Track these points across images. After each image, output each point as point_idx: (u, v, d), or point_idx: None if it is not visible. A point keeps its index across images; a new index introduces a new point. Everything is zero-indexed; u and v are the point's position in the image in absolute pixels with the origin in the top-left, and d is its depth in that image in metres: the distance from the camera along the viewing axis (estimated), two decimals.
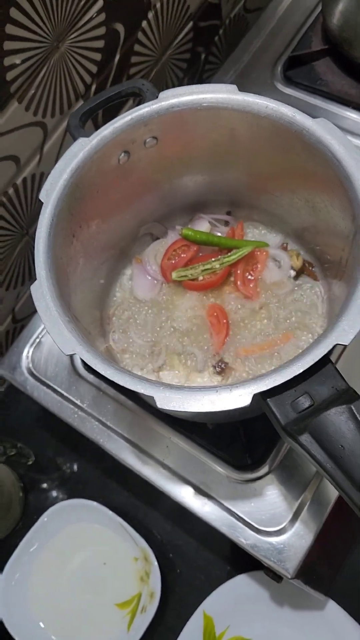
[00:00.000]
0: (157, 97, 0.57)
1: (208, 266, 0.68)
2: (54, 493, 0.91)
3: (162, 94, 0.56)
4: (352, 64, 0.83)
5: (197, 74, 1.02)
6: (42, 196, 0.54)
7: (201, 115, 0.57)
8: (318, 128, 0.52)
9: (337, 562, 0.74)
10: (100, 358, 0.47)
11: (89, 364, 0.47)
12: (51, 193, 0.54)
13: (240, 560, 0.80)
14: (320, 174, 0.55)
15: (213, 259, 0.68)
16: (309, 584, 0.66)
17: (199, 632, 0.77)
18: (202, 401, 0.45)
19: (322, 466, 0.43)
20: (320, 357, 0.45)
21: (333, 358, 0.69)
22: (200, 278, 0.68)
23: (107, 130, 0.55)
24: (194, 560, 0.82)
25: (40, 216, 0.53)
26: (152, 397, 0.45)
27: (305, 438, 0.44)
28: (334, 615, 0.75)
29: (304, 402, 0.46)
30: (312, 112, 0.81)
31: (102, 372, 0.46)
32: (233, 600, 0.77)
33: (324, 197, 0.57)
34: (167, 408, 0.45)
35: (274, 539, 0.63)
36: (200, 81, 1.04)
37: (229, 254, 0.68)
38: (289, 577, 0.62)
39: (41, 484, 0.91)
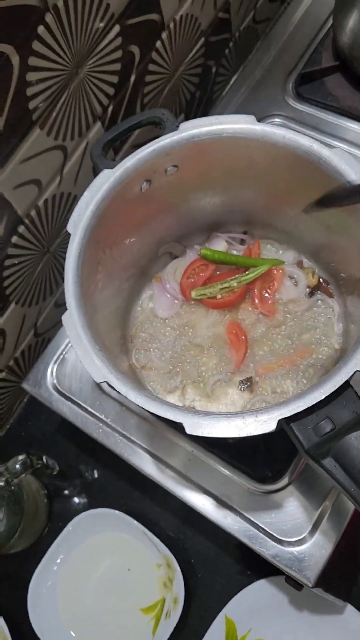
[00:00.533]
0: (176, 125, 0.59)
1: (226, 285, 0.70)
2: (77, 500, 0.94)
3: (182, 125, 0.58)
4: None
5: (208, 87, 1.03)
6: (69, 228, 0.56)
7: (220, 145, 0.59)
8: (335, 158, 0.54)
9: (356, 569, 0.76)
10: (130, 385, 0.50)
11: (120, 392, 0.49)
12: (78, 224, 0.56)
13: (260, 565, 0.82)
14: None
15: (231, 278, 0.70)
16: (328, 591, 0.68)
17: (221, 636, 0.79)
18: (229, 427, 0.47)
19: (347, 490, 0.46)
20: (341, 383, 0.47)
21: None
22: (219, 296, 0.71)
23: (130, 161, 0.58)
24: (215, 565, 0.85)
25: (69, 247, 0.55)
26: (182, 424, 0.48)
27: (329, 462, 0.47)
28: (352, 619, 0.77)
29: (326, 426, 0.48)
30: (323, 127, 0.84)
31: (133, 400, 0.49)
32: (254, 605, 0.80)
33: (339, 222, 0.59)
34: (195, 434, 0.47)
35: (295, 549, 0.66)
36: (212, 95, 1.05)
37: (247, 272, 0.70)
38: (310, 585, 0.64)
39: (64, 490, 0.94)
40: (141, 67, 0.82)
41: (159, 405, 0.48)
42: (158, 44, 0.83)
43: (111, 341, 0.62)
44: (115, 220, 0.61)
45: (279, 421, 0.47)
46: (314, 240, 0.70)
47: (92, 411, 0.75)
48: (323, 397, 0.47)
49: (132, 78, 0.81)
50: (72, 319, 0.52)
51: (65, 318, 0.53)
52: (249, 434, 0.47)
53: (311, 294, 0.71)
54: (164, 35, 0.83)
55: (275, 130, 0.56)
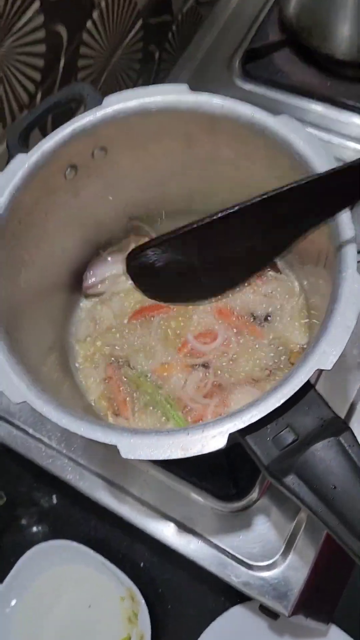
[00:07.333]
0: (99, 101, 0.51)
1: None
2: (34, 529, 0.86)
3: (106, 100, 0.51)
4: (312, 53, 0.78)
5: (151, 75, 0.96)
6: None
7: (152, 121, 0.51)
8: (281, 127, 0.47)
9: (339, 588, 0.69)
10: (54, 404, 0.42)
11: (41, 413, 0.42)
12: None
13: (235, 590, 0.75)
14: (288, 176, 0.50)
15: None
16: (310, 617, 0.61)
17: None
18: (172, 447, 0.40)
19: (313, 511, 0.39)
20: (300, 385, 0.40)
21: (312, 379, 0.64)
22: None
23: (48, 144, 0.50)
24: (185, 594, 0.78)
25: None
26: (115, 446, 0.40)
27: (292, 479, 0.39)
28: None
29: (287, 437, 0.41)
30: (275, 107, 0.78)
31: (57, 422, 0.41)
32: (229, 635, 0.73)
33: None
34: (133, 457, 0.40)
35: (266, 574, 0.58)
36: (156, 82, 0.98)
37: None
38: (287, 615, 0.57)
39: (20, 520, 0.86)
40: (71, 50, 0.75)
41: (87, 425, 0.41)
42: (89, 24, 0.76)
43: (40, 351, 0.54)
44: (37, 215, 0.53)
45: (231, 435, 0.40)
46: None
47: (34, 434, 0.67)
48: (281, 402, 0.40)
49: (62, 62, 0.74)
50: None
51: None
52: (197, 454, 0.39)
53: None
54: (95, 14, 0.76)
55: (211, 100, 0.49)
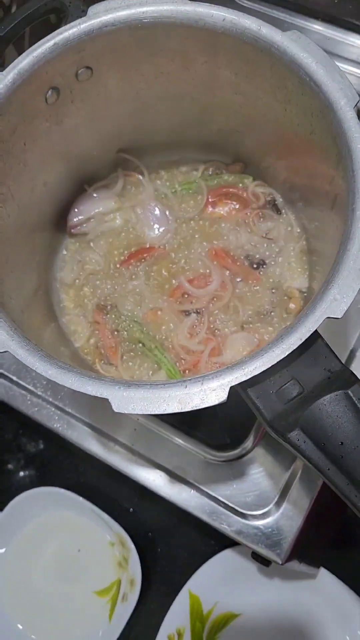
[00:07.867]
0: (85, 13, 0.45)
1: None
2: (21, 473, 0.84)
3: (91, 9, 0.44)
4: None
5: None
6: None
7: (143, 36, 0.45)
8: (290, 44, 0.42)
9: (331, 532, 0.69)
10: (39, 355, 0.38)
11: (25, 364, 0.38)
12: None
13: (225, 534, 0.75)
14: (295, 101, 0.45)
15: None
16: (302, 562, 0.61)
17: (185, 613, 0.72)
18: (168, 401, 0.37)
19: (320, 469, 0.36)
20: (308, 335, 0.37)
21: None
22: None
23: (25, 61, 0.44)
24: (175, 538, 0.77)
25: None
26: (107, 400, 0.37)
27: (297, 435, 0.37)
28: (325, 583, 0.71)
29: (292, 390, 0.38)
30: (275, 27, 0.71)
31: (43, 374, 0.38)
32: (220, 576, 0.73)
33: (301, 131, 0.47)
34: (126, 412, 0.37)
35: (260, 523, 0.57)
36: None
37: None
38: (280, 563, 0.56)
39: (6, 465, 0.84)
40: None
41: (76, 377, 0.38)
42: None
43: (23, 297, 0.50)
44: (16, 145, 0.47)
45: (232, 388, 0.37)
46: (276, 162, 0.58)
47: (18, 381, 0.64)
48: (286, 354, 0.36)
49: None
50: None
51: None
52: (195, 408, 0.37)
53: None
54: None
55: (211, 11, 0.43)
